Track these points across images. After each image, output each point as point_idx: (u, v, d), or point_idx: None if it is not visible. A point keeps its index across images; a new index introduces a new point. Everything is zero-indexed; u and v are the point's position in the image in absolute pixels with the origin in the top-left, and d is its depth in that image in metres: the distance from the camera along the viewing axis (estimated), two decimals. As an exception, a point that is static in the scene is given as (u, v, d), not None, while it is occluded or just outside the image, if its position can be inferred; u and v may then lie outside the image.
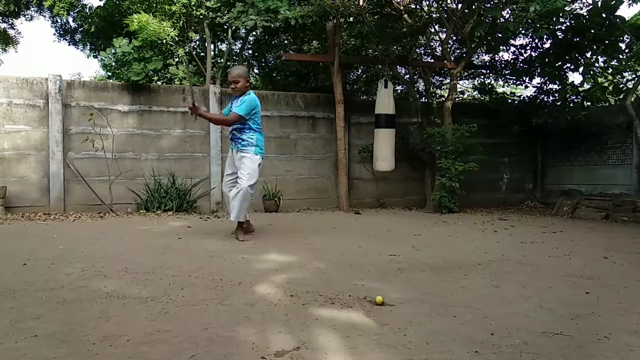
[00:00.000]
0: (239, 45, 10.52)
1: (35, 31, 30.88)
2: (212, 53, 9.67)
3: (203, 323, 2.16)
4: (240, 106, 4.53)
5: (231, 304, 2.47)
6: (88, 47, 11.63)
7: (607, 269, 3.52)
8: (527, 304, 2.54)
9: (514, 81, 9.85)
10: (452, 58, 8.82)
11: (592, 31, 7.89)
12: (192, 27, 9.06)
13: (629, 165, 7.95)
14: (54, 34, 11.71)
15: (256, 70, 11.88)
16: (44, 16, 11.48)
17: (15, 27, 12.08)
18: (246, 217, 4.69)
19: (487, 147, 8.89)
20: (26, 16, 11.55)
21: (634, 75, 8.79)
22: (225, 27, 8.99)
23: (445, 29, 8.45)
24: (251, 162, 4.54)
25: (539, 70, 8.94)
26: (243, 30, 9.84)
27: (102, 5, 9.70)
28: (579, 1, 8.35)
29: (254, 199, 4.80)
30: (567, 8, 7.41)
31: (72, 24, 11.40)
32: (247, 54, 11.02)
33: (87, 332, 2.03)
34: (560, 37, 8.36)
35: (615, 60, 8.35)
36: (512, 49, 9.22)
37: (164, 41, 7.89)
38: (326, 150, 8.43)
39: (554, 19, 7.47)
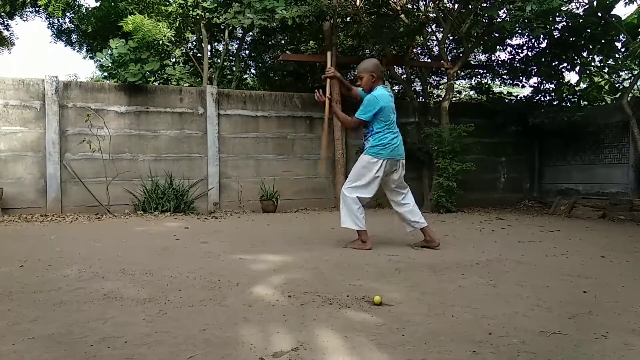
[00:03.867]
0: (236, 46, 10.51)
1: (31, 32, 30.83)
2: (209, 53, 9.66)
3: (201, 324, 2.15)
4: (360, 108, 4.11)
5: (229, 305, 2.46)
6: (84, 48, 11.60)
7: (604, 268, 3.53)
8: (525, 303, 2.54)
9: (511, 81, 9.86)
10: (449, 58, 8.83)
11: (589, 30, 7.92)
12: (189, 28, 9.06)
13: (626, 164, 7.97)
14: (51, 35, 11.69)
15: (253, 71, 11.89)
16: (40, 17, 11.45)
17: (10, 28, 12.04)
18: (358, 227, 4.14)
19: (484, 146, 8.90)
20: (22, 17, 11.51)
21: (630, 74, 8.81)
22: (222, 27, 8.98)
23: (442, 29, 8.47)
24: (359, 162, 4.13)
25: (535, 70, 8.96)
26: (240, 31, 9.84)
27: (98, 5, 9.68)
28: (575, 1, 8.37)
29: (360, 204, 4.18)
30: (563, 7, 7.42)
31: (68, 24, 11.38)
32: (244, 54, 11.02)
33: (85, 334, 2.02)
34: (556, 36, 8.38)
35: (611, 60, 8.37)
36: (509, 48, 9.25)
37: (161, 42, 7.88)
38: (324, 151, 8.42)
39: (550, 18, 7.49)
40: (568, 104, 8.76)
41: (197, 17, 8.45)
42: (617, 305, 2.51)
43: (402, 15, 7.98)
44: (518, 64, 9.19)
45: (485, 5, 7.60)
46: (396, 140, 4.14)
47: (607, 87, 8.96)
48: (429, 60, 9.58)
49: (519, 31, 8.03)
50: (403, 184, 4.25)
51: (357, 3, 7.40)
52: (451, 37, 9.13)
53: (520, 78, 9.36)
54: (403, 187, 4.25)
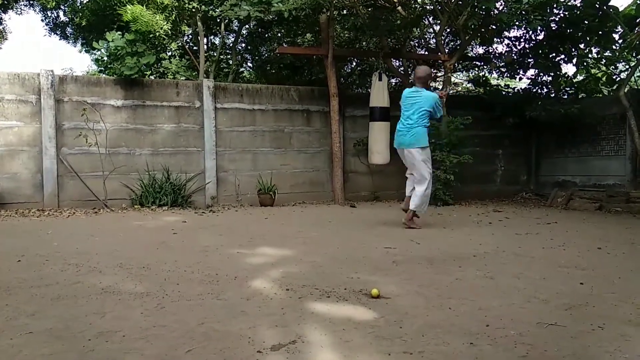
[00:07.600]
0: (233, 39, 10.46)
1: (26, 26, 30.59)
2: (205, 47, 9.61)
3: (199, 318, 2.15)
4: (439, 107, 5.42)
5: (227, 299, 2.47)
6: (79, 41, 11.53)
7: (601, 259, 3.55)
8: (522, 295, 2.55)
9: (508, 73, 9.85)
10: (446, 50, 8.81)
11: (586, 22, 7.89)
12: (185, 21, 9.00)
13: (623, 156, 7.98)
14: (45, 28, 11.59)
15: (250, 64, 11.83)
16: (34, 10, 11.35)
17: (3, 22, 11.93)
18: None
19: (481, 139, 8.90)
20: (15, 10, 11.40)
21: (627, 66, 8.81)
22: (218, 20, 8.93)
23: (439, 21, 8.43)
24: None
25: (532, 62, 8.94)
26: (236, 24, 9.78)
27: (93, -2, 9.60)
28: (572, -8, 8.34)
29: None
30: (560, -1, 7.41)
31: (62, 18, 11.29)
32: (240, 47, 10.96)
33: (83, 328, 2.02)
34: (553, 28, 8.35)
35: (608, 51, 8.35)
36: (506, 40, 9.22)
37: (157, 34, 7.83)
38: (321, 144, 8.41)
39: (548, 10, 7.47)
40: (565, 96, 8.75)
41: (193, 9, 8.40)
42: (614, 297, 2.52)
43: (399, 8, 7.94)
44: (515, 56, 9.16)
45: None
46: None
47: (604, 79, 8.95)
48: (426, 52, 9.54)
49: (516, 23, 8.00)
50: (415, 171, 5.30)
51: (354, -5, 7.36)
52: (448, 30, 9.10)
53: (518, 70, 9.34)
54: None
